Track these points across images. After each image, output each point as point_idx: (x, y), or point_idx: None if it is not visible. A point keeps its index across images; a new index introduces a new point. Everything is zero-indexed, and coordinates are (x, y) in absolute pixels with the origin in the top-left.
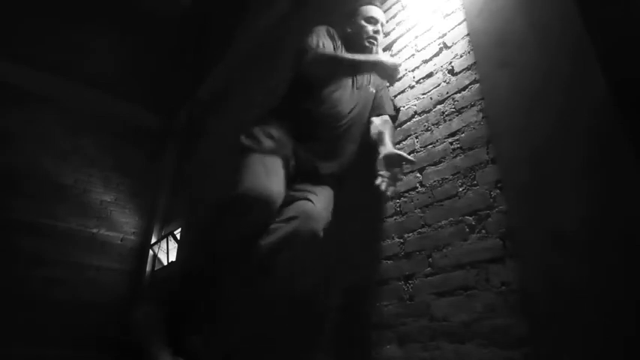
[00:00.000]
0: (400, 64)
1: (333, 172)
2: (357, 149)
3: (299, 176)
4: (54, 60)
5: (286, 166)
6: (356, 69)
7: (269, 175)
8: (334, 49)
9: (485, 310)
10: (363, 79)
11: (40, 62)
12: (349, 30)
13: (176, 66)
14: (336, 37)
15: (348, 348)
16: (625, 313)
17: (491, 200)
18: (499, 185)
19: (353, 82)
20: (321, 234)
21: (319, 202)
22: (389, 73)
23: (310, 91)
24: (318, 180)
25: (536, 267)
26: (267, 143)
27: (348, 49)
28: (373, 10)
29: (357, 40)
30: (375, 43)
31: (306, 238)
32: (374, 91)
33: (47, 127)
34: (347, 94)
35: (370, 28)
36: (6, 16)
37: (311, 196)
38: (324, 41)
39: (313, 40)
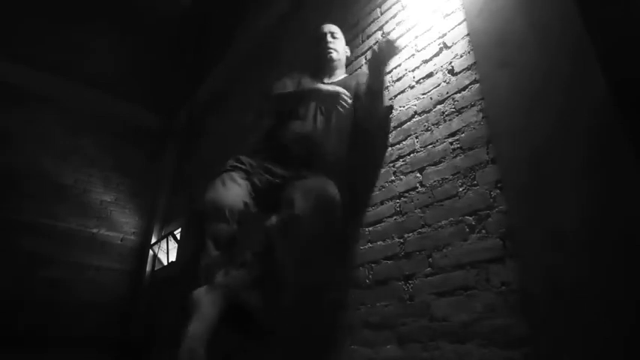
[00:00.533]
0: (345, 92)
1: (322, 166)
2: (346, 145)
3: (287, 183)
4: (54, 60)
5: (248, 178)
6: (300, 100)
7: (225, 186)
8: (293, 84)
9: (486, 310)
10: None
11: (40, 62)
12: (314, 54)
13: (176, 66)
14: (296, 75)
15: (347, 348)
16: (625, 313)
17: (491, 200)
18: (499, 185)
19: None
20: (339, 197)
21: (321, 178)
22: (329, 101)
23: (281, 122)
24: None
25: (536, 267)
26: (231, 163)
27: (319, 68)
28: (316, 32)
29: (322, 57)
30: (330, 50)
31: (330, 200)
32: (352, 85)
33: (47, 127)
34: (310, 114)
35: (321, 44)
36: (6, 16)
37: (311, 176)
38: (284, 82)
39: (276, 85)
